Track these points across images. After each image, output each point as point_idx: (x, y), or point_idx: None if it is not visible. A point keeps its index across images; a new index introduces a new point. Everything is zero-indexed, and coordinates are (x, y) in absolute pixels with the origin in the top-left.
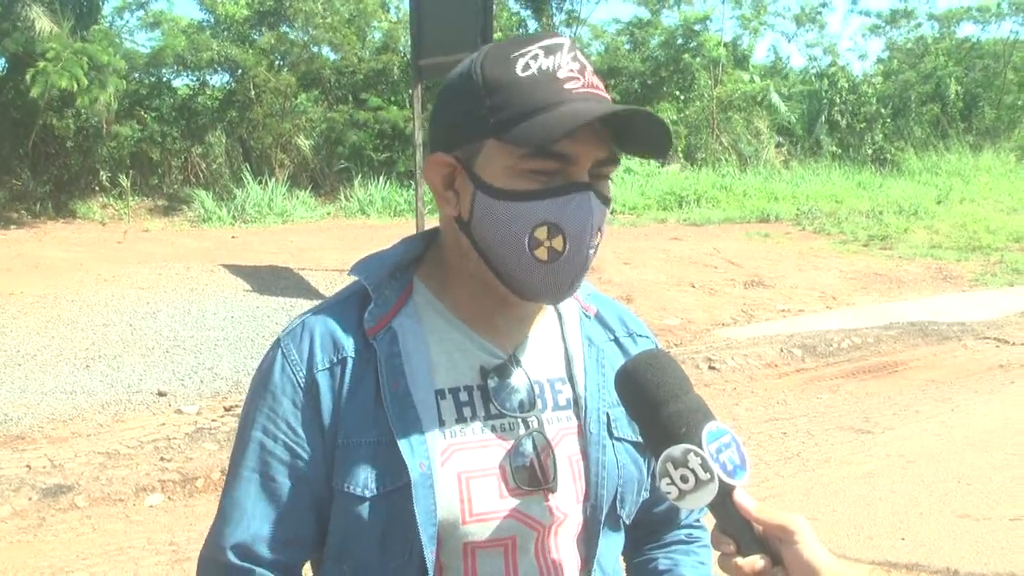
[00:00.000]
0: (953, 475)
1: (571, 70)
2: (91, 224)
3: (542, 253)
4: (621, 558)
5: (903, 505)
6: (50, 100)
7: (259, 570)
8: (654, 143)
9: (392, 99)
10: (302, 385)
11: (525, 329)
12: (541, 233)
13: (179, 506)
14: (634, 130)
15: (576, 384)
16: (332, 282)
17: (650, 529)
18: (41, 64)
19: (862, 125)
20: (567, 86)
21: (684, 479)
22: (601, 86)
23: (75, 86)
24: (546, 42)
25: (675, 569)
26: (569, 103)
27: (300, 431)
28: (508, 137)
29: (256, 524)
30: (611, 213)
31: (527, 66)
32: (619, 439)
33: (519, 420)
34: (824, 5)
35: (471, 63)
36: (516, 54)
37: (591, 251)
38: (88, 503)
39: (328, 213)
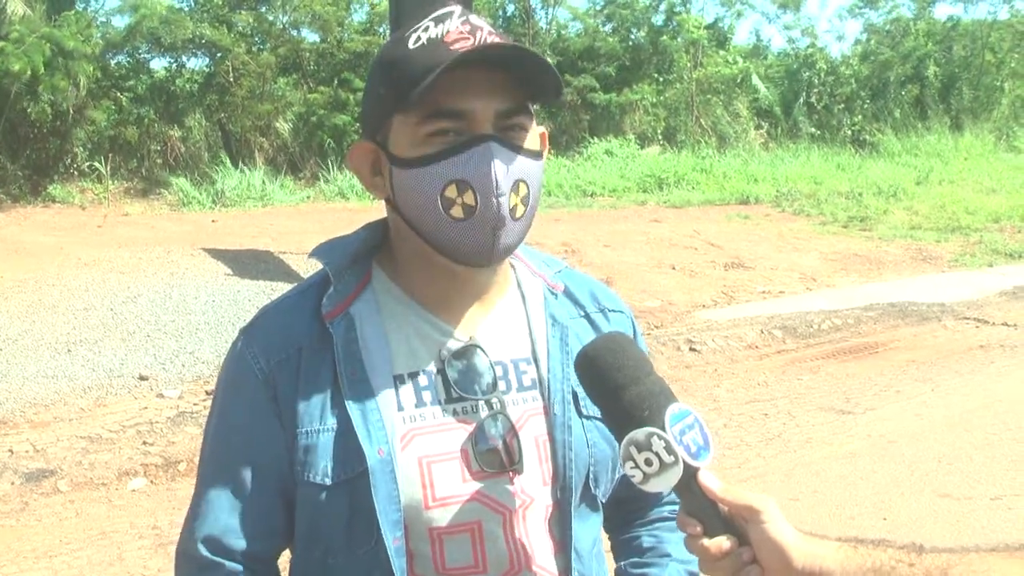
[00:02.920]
0: (934, 455)
1: (460, 32)
2: (71, 208)
3: (457, 211)
4: (604, 537)
5: (884, 485)
6: (23, 84)
7: (229, 564)
8: (550, 85)
9: None
10: (260, 377)
11: (486, 310)
12: (451, 192)
13: (162, 490)
14: (533, 76)
15: (540, 365)
16: (312, 265)
17: (634, 505)
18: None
19: (841, 107)
20: (454, 47)
21: (648, 462)
22: (503, 40)
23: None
24: (437, 13)
25: (659, 546)
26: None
27: (260, 423)
28: (400, 105)
29: (225, 517)
30: (590, 196)
31: (418, 39)
32: (588, 417)
33: (480, 403)
34: None
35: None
36: (410, 31)
37: (503, 199)
38: (71, 487)
39: (308, 197)
